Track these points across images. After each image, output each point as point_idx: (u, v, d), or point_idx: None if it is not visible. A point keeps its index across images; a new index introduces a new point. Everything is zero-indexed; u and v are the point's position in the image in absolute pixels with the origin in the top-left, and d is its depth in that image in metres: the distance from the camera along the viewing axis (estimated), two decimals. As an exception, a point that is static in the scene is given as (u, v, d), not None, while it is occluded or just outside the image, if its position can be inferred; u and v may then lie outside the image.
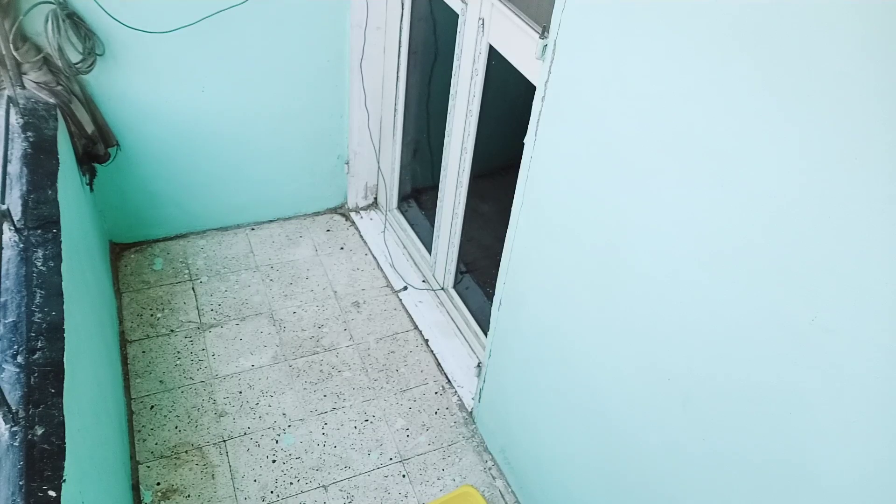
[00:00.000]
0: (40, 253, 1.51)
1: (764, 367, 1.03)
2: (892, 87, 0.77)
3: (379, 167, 2.90)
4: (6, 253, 1.47)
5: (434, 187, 2.47)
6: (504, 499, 2.03)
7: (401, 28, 2.45)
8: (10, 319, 1.33)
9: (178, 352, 2.32)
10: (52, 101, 2.08)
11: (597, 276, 1.40)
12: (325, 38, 2.50)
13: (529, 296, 1.70)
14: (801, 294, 0.94)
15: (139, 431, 2.07)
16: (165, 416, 2.11)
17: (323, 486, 2.00)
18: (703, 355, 1.15)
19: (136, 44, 2.20)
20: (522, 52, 1.69)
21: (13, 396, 1.20)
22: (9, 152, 1.77)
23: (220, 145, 2.60)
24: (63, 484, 1.11)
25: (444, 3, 2.07)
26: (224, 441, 2.08)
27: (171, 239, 2.76)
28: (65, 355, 1.31)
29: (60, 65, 2.03)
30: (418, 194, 2.94)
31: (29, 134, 1.88)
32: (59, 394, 1.24)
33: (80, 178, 2.24)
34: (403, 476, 2.06)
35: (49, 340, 1.32)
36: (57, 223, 1.61)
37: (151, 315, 2.44)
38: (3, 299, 1.37)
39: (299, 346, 2.41)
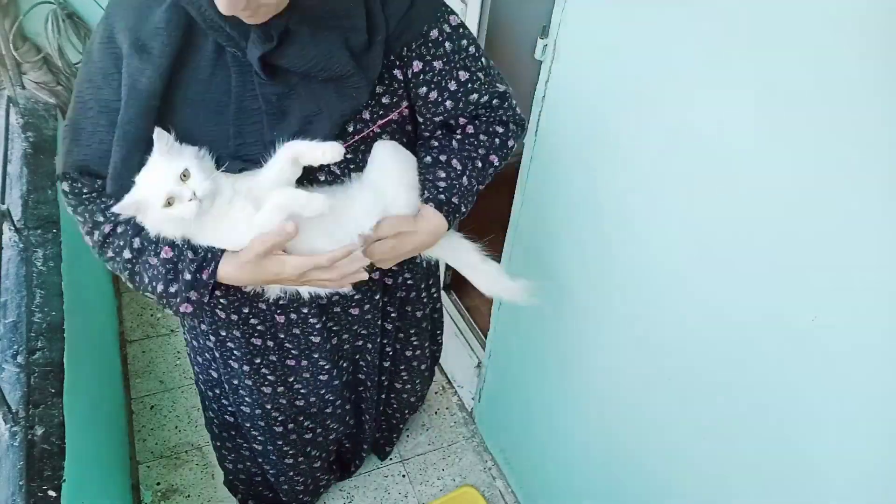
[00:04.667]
0: (40, 253, 1.51)
1: (764, 366, 1.03)
2: (894, 84, 0.77)
3: (379, 167, 2.90)
4: (6, 253, 1.47)
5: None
6: (504, 499, 2.03)
7: (401, 28, 2.44)
8: (10, 319, 1.33)
9: (178, 352, 2.32)
10: (52, 101, 2.08)
11: (596, 276, 1.40)
12: (325, 38, 2.50)
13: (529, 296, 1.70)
14: (801, 294, 0.94)
15: (139, 431, 2.07)
16: (165, 416, 2.11)
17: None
18: (703, 355, 1.15)
19: (136, 44, 2.19)
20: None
21: (13, 396, 1.20)
22: (9, 152, 1.77)
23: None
24: (63, 484, 1.11)
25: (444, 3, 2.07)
26: (224, 441, 2.08)
27: (171, 239, 2.76)
28: (65, 355, 1.31)
29: (60, 65, 2.03)
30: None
31: (29, 134, 1.88)
32: (59, 394, 1.24)
33: (80, 178, 2.23)
34: (403, 476, 2.06)
35: (49, 340, 1.32)
36: (57, 223, 1.61)
37: (151, 315, 2.44)
38: (3, 299, 1.37)
39: (299, 346, 2.41)
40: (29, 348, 1.29)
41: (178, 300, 0.99)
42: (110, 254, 1.00)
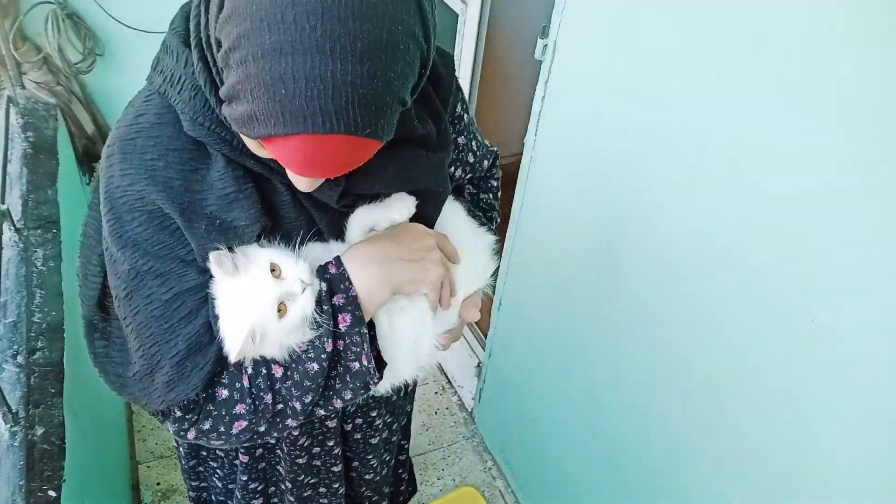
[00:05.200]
0: (40, 253, 1.51)
1: (764, 366, 1.03)
2: (894, 83, 0.77)
3: (379, 167, 2.90)
4: (6, 253, 1.47)
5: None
6: (504, 499, 2.03)
7: (401, 28, 2.44)
8: (10, 319, 1.33)
9: (178, 352, 2.32)
10: (52, 101, 2.07)
11: (596, 276, 1.40)
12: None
13: (529, 296, 1.70)
14: (801, 294, 0.94)
15: (139, 431, 2.06)
16: (165, 416, 2.11)
17: (323, 486, 2.00)
18: (704, 355, 1.15)
19: (136, 44, 2.20)
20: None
21: (13, 396, 1.20)
22: (9, 152, 1.77)
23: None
24: (63, 484, 1.11)
25: (445, 3, 2.07)
26: (224, 441, 2.08)
27: (171, 239, 2.76)
28: (65, 355, 1.31)
29: (60, 65, 2.03)
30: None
31: (29, 134, 1.88)
32: (59, 394, 1.24)
33: (80, 178, 2.24)
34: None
35: (49, 340, 1.32)
36: (57, 223, 1.61)
37: (151, 315, 2.44)
38: (3, 299, 1.37)
39: (299, 346, 2.41)
40: (29, 348, 1.28)
41: (338, 322, 0.77)
42: (269, 396, 0.77)
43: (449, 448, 2.15)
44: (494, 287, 1.29)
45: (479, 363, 2.29)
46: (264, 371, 0.77)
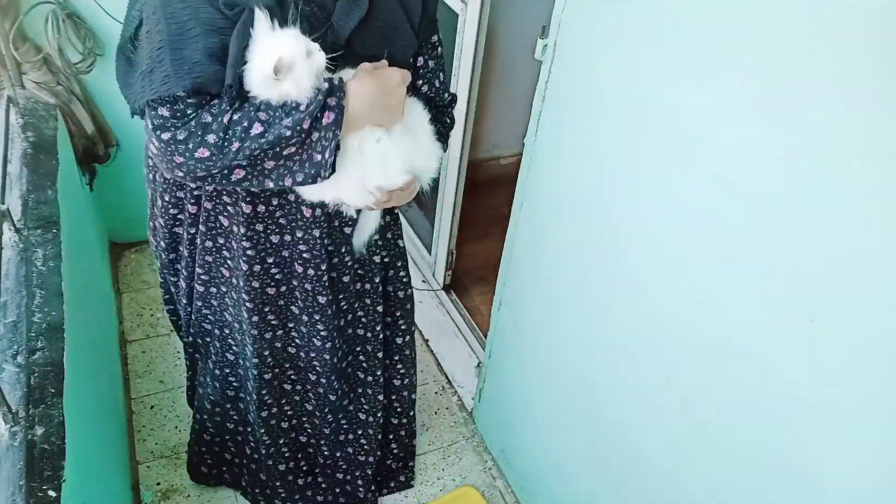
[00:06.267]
0: (40, 253, 1.51)
1: (763, 366, 1.03)
2: (893, 82, 0.77)
3: (379, 167, 2.90)
4: (6, 253, 1.47)
5: (434, 187, 2.47)
6: (504, 499, 2.03)
7: (401, 28, 2.44)
8: (10, 319, 1.33)
9: (178, 352, 2.32)
10: (52, 101, 2.07)
11: (596, 276, 1.40)
12: (325, 38, 2.49)
13: (529, 296, 1.70)
14: (800, 293, 0.94)
15: (139, 431, 2.06)
16: (165, 416, 2.11)
17: (323, 486, 2.00)
18: (702, 355, 1.15)
19: (136, 44, 2.20)
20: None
21: (13, 396, 1.20)
22: (9, 152, 1.77)
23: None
24: (63, 484, 1.11)
25: (444, 2, 2.07)
26: (224, 441, 2.07)
27: (171, 239, 2.75)
28: (65, 355, 1.31)
29: (60, 65, 2.03)
30: (418, 194, 2.93)
31: (29, 134, 1.88)
32: (59, 394, 1.24)
33: (80, 178, 2.24)
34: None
35: (49, 340, 1.32)
36: (57, 223, 1.61)
37: (151, 315, 2.43)
38: (3, 299, 1.37)
39: (299, 346, 2.41)
40: (29, 348, 1.28)
41: (322, 116, 1.01)
42: (236, 144, 0.98)
43: (449, 448, 2.15)
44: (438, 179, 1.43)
45: (479, 363, 2.29)
46: (246, 123, 0.99)
